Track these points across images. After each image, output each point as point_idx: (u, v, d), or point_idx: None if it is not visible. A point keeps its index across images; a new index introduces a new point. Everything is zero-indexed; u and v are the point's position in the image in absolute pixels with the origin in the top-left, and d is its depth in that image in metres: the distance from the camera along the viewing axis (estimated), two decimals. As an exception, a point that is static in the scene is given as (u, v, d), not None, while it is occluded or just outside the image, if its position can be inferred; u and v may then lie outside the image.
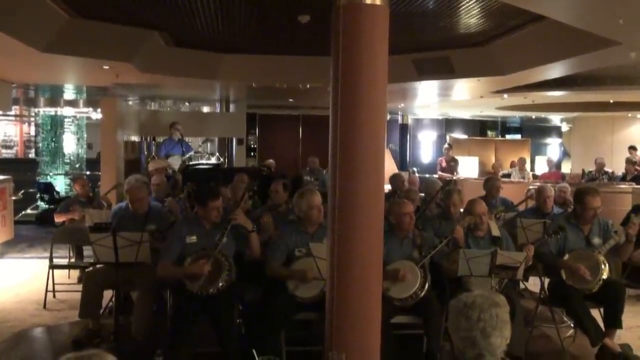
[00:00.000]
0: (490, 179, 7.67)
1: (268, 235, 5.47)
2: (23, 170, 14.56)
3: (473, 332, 2.31)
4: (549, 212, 6.67)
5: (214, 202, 4.88)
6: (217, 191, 5.11)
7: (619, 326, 5.04)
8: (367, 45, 3.37)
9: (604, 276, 4.98)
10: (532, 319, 5.52)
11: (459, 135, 20.51)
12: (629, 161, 12.70)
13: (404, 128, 19.39)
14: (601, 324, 5.05)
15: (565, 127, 21.19)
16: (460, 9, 6.76)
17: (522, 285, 6.54)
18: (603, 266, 4.99)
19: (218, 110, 15.51)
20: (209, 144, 14.42)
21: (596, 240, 5.27)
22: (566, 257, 5.15)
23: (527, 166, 14.58)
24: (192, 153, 11.05)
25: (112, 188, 8.98)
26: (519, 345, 4.64)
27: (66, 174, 14.76)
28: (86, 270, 6.18)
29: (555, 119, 19.90)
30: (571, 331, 5.66)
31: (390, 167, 12.21)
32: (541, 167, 16.78)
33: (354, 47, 3.37)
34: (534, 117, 18.91)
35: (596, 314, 5.12)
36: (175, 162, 10.24)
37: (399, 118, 19.08)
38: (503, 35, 7.93)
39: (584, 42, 6.78)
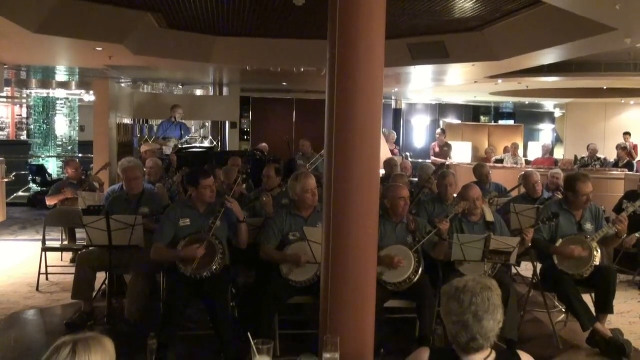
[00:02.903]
0: (478, 167, 7.70)
1: (268, 214, 5.46)
2: (15, 152, 14.49)
3: (465, 316, 2.32)
4: (539, 197, 6.74)
5: (206, 181, 4.87)
6: (209, 171, 5.10)
7: (610, 311, 5.08)
8: (364, 28, 3.35)
9: (596, 262, 5.01)
10: (525, 304, 5.56)
11: (453, 120, 20.48)
12: (619, 147, 12.76)
13: (397, 113, 19.34)
14: (593, 310, 5.09)
15: (558, 113, 21.21)
16: (456, -7, 6.74)
17: (514, 271, 6.58)
18: (595, 252, 5.01)
19: (211, 93, 15.44)
20: (202, 130, 14.37)
21: (588, 226, 5.29)
22: (559, 243, 5.17)
23: (520, 152, 14.62)
24: (190, 136, 11.05)
25: (102, 167, 8.97)
26: (512, 330, 4.68)
27: (58, 157, 14.68)
28: (79, 252, 6.17)
29: (548, 104, 19.90)
30: (563, 316, 5.71)
31: (384, 151, 12.18)
32: (534, 152, 16.81)
33: (351, 31, 3.35)
34: (527, 102, 18.90)
35: (588, 299, 5.16)
36: (170, 145, 10.23)
37: (393, 103, 19.03)
38: (498, 20, 7.90)
39: (580, 27, 6.77)
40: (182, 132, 10.75)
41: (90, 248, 5.48)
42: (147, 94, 15.38)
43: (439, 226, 4.87)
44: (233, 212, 4.87)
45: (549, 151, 14.49)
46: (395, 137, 14.46)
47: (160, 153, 9.46)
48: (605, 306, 5.05)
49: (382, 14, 3.44)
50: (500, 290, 2.43)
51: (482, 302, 2.32)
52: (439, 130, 14.79)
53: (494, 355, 2.40)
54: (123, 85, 14.00)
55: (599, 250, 5.06)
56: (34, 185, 13.61)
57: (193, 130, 12.81)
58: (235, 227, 4.95)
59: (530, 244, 5.06)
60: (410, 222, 5.02)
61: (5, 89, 15.03)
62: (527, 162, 14.04)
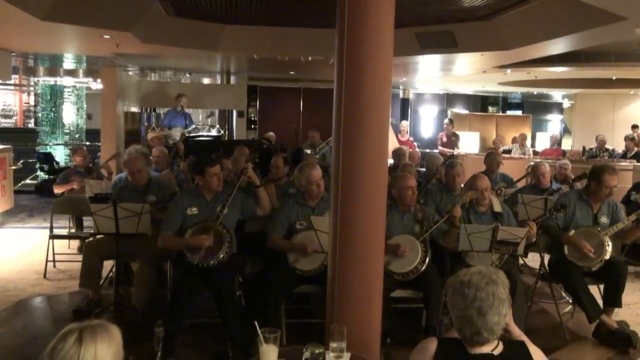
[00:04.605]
0: (490, 154, 7.68)
1: (272, 205, 5.45)
2: (22, 140, 14.54)
3: (469, 311, 2.30)
4: (547, 188, 6.72)
5: (212, 169, 4.86)
6: (215, 159, 5.10)
7: (619, 305, 5.06)
8: (373, 17, 3.33)
9: (607, 257, 4.97)
10: (531, 295, 5.54)
11: (460, 110, 20.41)
12: (627, 138, 12.68)
13: (404, 102, 19.28)
14: (600, 302, 5.07)
15: (566, 104, 21.11)
16: (466, -18, 6.68)
17: (521, 261, 6.56)
18: (607, 247, 4.97)
19: (219, 82, 15.43)
20: (209, 119, 14.38)
21: (604, 220, 5.23)
22: (571, 233, 5.13)
23: (528, 142, 14.56)
24: (194, 126, 11.08)
25: (110, 157, 8.99)
26: (518, 321, 4.62)
27: (66, 144, 14.72)
28: (86, 240, 6.19)
29: (556, 95, 19.81)
30: (569, 307, 5.70)
31: (391, 141, 12.15)
32: (542, 143, 16.75)
33: (360, 20, 3.33)
34: (535, 93, 18.82)
35: (595, 291, 5.14)
36: (176, 133, 10.24)
37: (400, 92, 18.97)
38: (508, 9, 7.83)
39: (590, 17, 6.70)
40: (187, 122, 10.78)
41: (98, 236, 5.49)
42: (154, 82, 15.37)
43: (452, 212, 4.86)
44: (248, 187, 4.91)
45: (557, 142, 14.42)
46: (407, 128, 14.37)
47: (166, 142, 9.46)
48: (614, 300, 5.03)
49: (391, 3, 3.41)
50: (507, 282, 2.42)
51: (486, 297, 2.30)
52: (446, 120, 14.72)
53: (501, 346, 2.39)
54: (130, 73, 14.00)
55: (610, 245, 5.02)
56: (42, 173, 13.67)
57: (200, 119, 12.79)
58: (253, 198, 4.98)
59: (534, 239, 5.03)
60: (418, 211, 5.01)
61: (13, 76, 15.07)
62: (535, 153, 13.97)
